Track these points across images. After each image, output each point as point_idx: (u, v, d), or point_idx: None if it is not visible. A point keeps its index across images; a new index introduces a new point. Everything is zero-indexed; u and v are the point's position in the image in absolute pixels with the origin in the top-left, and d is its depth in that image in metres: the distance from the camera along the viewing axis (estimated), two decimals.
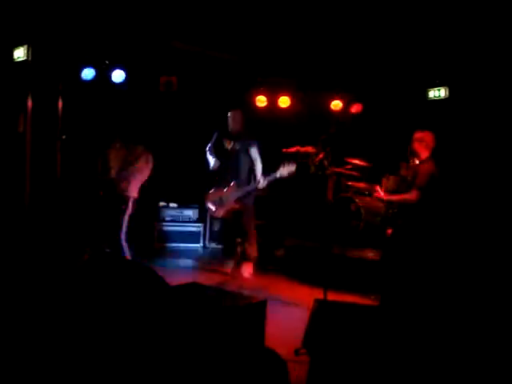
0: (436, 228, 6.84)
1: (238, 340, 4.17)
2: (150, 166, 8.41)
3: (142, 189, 8.80)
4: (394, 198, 7.23)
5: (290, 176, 7.20)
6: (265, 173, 7.71)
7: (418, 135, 7.11)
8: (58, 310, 4.18)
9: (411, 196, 6.82)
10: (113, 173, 8.36)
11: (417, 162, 7.34)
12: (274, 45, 9.47)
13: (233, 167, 7.78)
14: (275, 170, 7.35)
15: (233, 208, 7.67)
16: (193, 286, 5.14)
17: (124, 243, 8.21)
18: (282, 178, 7.29)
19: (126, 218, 8.24)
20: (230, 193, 7.65)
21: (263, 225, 9.91)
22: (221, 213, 7.82)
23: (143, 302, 4.01)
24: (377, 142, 10.65)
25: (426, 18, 7.93)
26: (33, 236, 8.65)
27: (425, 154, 7.01)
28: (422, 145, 7.01)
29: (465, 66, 7.86)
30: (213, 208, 7.86)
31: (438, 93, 9.78)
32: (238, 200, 7.68)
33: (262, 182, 7.48)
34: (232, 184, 7.54)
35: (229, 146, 7.60)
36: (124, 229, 8.20)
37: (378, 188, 7.44)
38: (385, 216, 9.13)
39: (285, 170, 7.16)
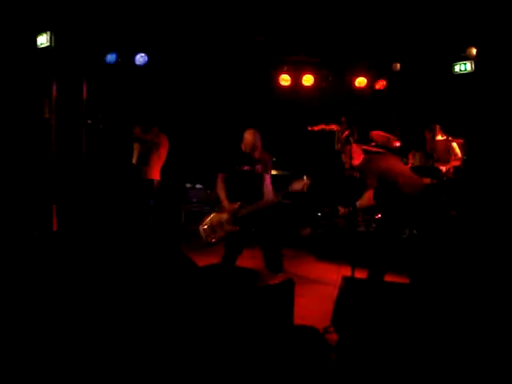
0: (470, 210, 6.79)
1: (268, 319, 4.19)
2: (167, 146, 8.45)
3: (168, 171, 8.85)
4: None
5: (304, 189, 7.04)
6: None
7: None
8: (90, 289, 4.24)
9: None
10: (134, 158, 8.44)
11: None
12: (297, 23, 9.40)
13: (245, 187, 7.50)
14: (286, 186, 7.16)
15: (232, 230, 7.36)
16: (220, 267, 5.17)
17: (152, 226, 8.29)
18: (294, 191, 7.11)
19: (152, 201, 8.31)
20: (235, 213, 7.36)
21: (289, 204, 9.90)
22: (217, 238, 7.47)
23: (174, 282, 4.04)
24: (403, 117, 10.58)
25: None
26: (60, 221, 8.75)
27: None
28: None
29: (488, 38, 7.71)
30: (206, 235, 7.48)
31: (463, 67, 9.65)
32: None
33: (275, 198, 7.21)
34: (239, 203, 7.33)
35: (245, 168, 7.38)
36: (151, 212, 8.27)
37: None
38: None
39: (297, 185, 6.99)
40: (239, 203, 7.07)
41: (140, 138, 8.36)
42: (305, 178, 6.82)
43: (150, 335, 3.65)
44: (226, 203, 7.12)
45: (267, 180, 7.05)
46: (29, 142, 9.04)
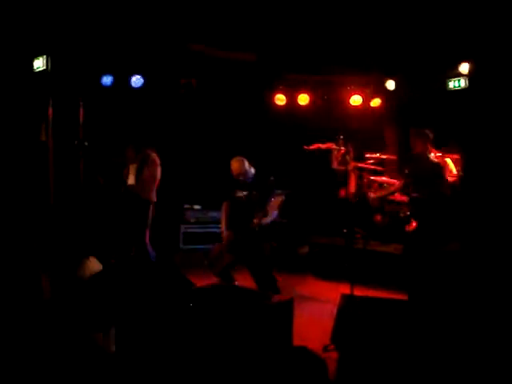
0: (462, 224, 6.81)
1: (267, 339, 4.18)
2: (158, 164, 8.50)
3: (167, 191, 8.88)
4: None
5: (280, 205, 7.12)
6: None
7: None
8: (88, 310, 4.23)
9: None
10: (130, 179, 8.47)
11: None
12: (291, 43, 9.46)
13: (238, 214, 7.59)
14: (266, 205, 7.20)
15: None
16: (218, 287, 5.17)
17: (149, 247, 8.29)
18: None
19: (149, 222, 8.32)
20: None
21: (286, 223, 9.91)
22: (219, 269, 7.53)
23: (170, 302, 4.04)
24: (398, 134, 10.61)
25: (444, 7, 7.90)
26: (58, 242, 8.73)
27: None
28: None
29: (482, 54, 7.78)
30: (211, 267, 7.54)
31: (457, 83, 9.71)
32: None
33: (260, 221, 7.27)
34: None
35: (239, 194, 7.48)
36: (147, 233, 8.28)
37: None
38: (408, 209, 9.11)
39: (275, 203, 7.06)
40: (230, 233, 7.16)
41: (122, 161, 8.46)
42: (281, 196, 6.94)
43: (149, 353, 3.65)
44: (224, 229, 7.23)
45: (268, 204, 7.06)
46: (26, 165, 9.05)
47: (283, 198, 7.12)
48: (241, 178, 7.20)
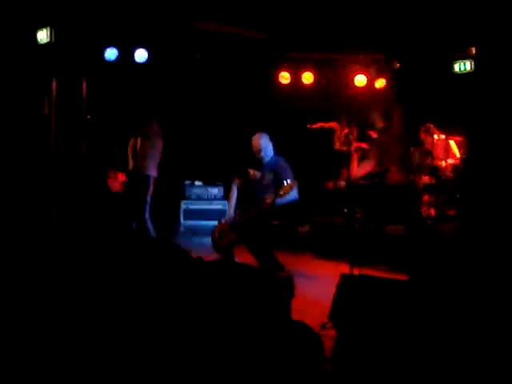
0: (466, 207, 6.80)
1: (265, 315, 4.19)
2: (161, 141, 8.46)
3: (167, 167, 8.85)
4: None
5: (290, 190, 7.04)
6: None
7: None
8: (86, 286, 4.24)
9: None
10: (130, 164, 8.47)
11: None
12: (297, 20, 9.39)
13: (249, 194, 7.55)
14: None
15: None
16: (218, 263, 5.18)
17: (148, 222, 8.29)
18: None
19: (148, 197, 8.31)
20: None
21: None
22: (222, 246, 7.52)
23: (170, 277, 4.05)
24: (402, 116, 10.58)
25: None
26: (59, 217, 8.75)
27: None
28: None
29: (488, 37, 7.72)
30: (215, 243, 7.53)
31: (463, 66, 9.66)
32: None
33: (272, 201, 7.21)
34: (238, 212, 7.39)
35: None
36: (147, 208, 8.28)
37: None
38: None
39: (287, 187, 6.99)
40: (238, 212, 7.14)
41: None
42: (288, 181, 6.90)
43: (147, 330, 3.66)
44: (230, 209, 7.21)
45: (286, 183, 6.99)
46: (28, 138, 9.04)
47: (296, 182, 7.06)
48: (259, 156, 7.16)
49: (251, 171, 7.29)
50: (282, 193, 6.84)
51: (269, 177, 7.11)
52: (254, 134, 7.41)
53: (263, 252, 6.95)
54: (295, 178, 7.20)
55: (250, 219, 7.04)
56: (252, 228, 7.00)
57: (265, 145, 7.16)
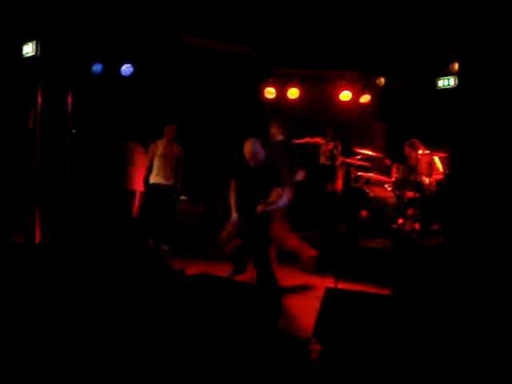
0: (450, 222, 6.84)
1: (253, 329, 4.19)
2: (140, 154, 8.50)
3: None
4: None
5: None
6: None
7: None
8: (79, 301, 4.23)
9: None
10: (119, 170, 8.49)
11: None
12: (283, 36, 9.46)
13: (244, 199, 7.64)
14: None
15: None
16: (205, 277, 5.17)
17: (133, 236, 8.29)
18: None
19: (135, 211, 8.32)
20: None
21: None
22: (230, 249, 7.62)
23: (160, 292, 4.04)
24: (386, 131, 10.65)
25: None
26: (45, 232, 8.71)
27: None
28: None
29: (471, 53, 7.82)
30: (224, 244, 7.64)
31: (447, 82, 9.75)
32: None
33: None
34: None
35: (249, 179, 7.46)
36: (133, 222, 8.28)
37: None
38: (395, 206, 9.15)
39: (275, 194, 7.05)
40: (237, 215, 7.15)
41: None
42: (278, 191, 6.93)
43: (132, 343, 3.65)
44: (232, 211, 7.20)
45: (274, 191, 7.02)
46: (12, 152, 9.00)
47: (280, 191, 7.12)
48: (251, 161, 7.18)
49: (246, 176, 7.31)
50: (269, 201, 6.90)
51: (261, 181, 7.13)
52: (242, 145, 7.44)
53: (261, 263, 6.96)
54: (286, 182, 7.25)
55: (248, 228, 7.06)
56: (251, 238, 7.03)
57: (256, 150, 7.19)
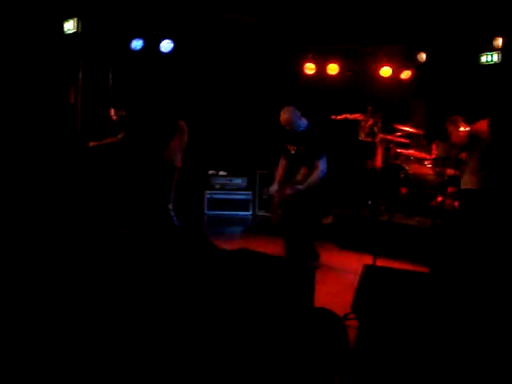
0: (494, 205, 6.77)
1: (288, 304, 4.22)
2: (186, 133, 8.51)
3: (191, 157, 8.89)
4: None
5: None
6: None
7: None
8: (114, 275, 4.29)
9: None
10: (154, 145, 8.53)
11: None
12: (323, 10, 9.37)
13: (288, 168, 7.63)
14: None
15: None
16: (242, 252, 5.20)
17: (172, 212, 8.35)
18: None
19: (172, 187, 8.37)
20: None
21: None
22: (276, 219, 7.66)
23: (195, 266, 4.09)
24: (428, 108, 10.51)
25: None
26: (87, 204, 8.83)
27: None
28: None
29: None
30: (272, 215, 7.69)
31: (490, 57, 9.57)
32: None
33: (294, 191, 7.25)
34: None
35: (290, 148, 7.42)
36: (171, 198, 8.34)
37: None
38: (434, 183, 9.06)
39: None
40: (277, 187, 7.17)
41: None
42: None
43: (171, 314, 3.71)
44: (273, 183, 7.25)
45: (314, 163, 7.02)
46: (54, 127, 9.13)
47: (323, 159, 7.12)
48: (288, 128, 7.15)
49: (288, 146, 7.30)
50: (305, 183, 6.91)
51: (302, 150, 7.11)
52: (280, 124, 7.42)
53: (297, 237, 6.99)
54: (324, 152, 7.22)
55: (285, 202, 7.10)
56: (289, 213, 7.07)
57: (293, 118, 7.13)
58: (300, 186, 6.97)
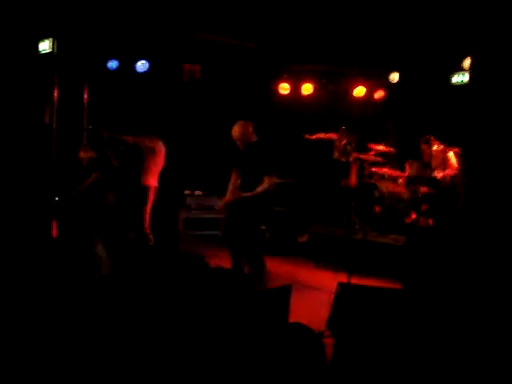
0: (463, 218, 6.85)
1: (264, 323, 4.25)
2: (163, 153, 8.52)
3: (167, 177, 8.90)
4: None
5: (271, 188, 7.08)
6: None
7: None
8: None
9: None
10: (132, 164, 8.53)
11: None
12: (297, 32, 9.48)
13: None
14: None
15: None
16: (218, 271, 5.23)
17: (148, 231, 8.34)
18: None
19: (149, 207, 8.37)
20: None
21: (286, 211, 9.98)
22: None
23: (180, 282, 4.10)
24: (400, 127, 10.65)
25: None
26: (60, 226, 8.78)
27: None
28: None
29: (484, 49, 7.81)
30: None
31: (461, 77, 9.74)
32: None
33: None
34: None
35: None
36: (147, 217, 8.33)
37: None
38: (408, 201, 9.17)
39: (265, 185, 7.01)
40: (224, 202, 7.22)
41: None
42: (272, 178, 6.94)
43: (152, 332, 3.72)
44: (223, 199, 7.28)
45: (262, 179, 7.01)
46: (29, 147, 9.09)
47: (275, 179, 7.13)
48: (238, 144, 7.16)
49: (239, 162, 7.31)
50: (251, 192, 6.90)
51: (251, 166, 7.08)
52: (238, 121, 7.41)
53: (243, 249, 6.98)
54: (271, 170, 7.22)
55: (233, 212, 7.09)
56: (234, 225, 7.06)
57: (243, 134, 7.11)
58: (246, 194, 6.94)
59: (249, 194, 6.83)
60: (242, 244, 6.93)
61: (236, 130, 7.06)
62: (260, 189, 6.79)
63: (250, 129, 7.09)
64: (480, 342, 3.77)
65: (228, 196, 7.16)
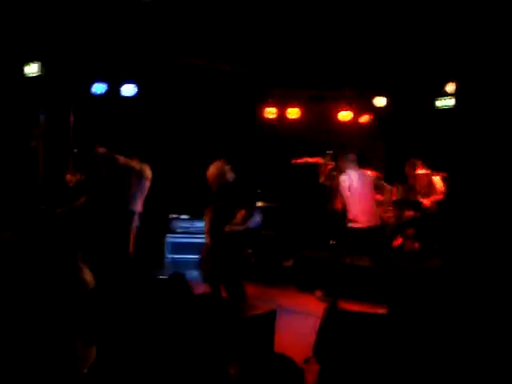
0: (449, 242, 6.88)
1: (248, 349, 4.22)
2: (149, 177, 8.48)
3: (152, 201, 8.87)
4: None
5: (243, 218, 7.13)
6: None
7: None
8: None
9: None
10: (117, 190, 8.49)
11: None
12: (283, 57, 9.54)
13: None
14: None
15: None
16: (203, 296, 5.20)
17: (133, 257, 8.29)
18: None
19: (133, 232, 8.32)
20: None
21: (272, 235, 9.95)
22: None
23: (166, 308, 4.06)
24: (386, 151, 10.71)
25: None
26: (45, 248, 8.71)
27: None
28: None
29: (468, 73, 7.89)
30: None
31: (445, 102, 9.82)
32: None
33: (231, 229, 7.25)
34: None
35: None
36: (132, 243, 8.28)
37: None
38: (394, 226, 9.18)
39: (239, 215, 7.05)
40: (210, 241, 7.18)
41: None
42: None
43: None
44: (206, 237, 7.24)
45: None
46: (15, 170, 9.05)
47: (244, 211, 7.13)
48: (209, 184, 7.17)
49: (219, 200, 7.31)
50: (245, 225, 6.92)
51: (224, 205, 7.10)
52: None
53: (231, 280, 6.96)
54: (247, 205, 7.24)
55: (217, 246, 7.08)
56: (222, 255, 7.04)
57: (215, 175, 7.12)
58: (239, 227, 6.97)
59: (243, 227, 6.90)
60: (220, 273, 6.94)
61: (209, 173, 7.07)
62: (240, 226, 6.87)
63: (226, 168, 7.10)
64: (468, 371, 3.76)
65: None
